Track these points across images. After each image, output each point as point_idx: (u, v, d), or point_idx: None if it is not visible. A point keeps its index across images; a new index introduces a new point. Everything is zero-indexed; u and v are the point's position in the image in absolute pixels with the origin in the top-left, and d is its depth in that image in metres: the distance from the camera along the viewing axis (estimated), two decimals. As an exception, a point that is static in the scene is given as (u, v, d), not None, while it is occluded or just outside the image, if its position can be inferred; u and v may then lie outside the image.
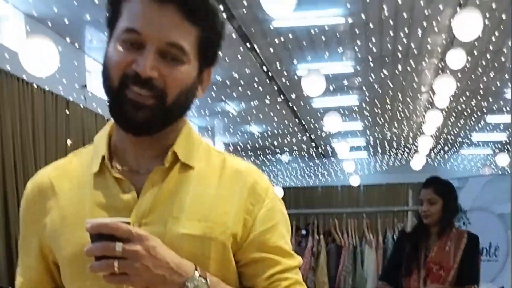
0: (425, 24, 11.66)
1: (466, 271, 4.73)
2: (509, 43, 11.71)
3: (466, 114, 18.82)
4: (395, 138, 22.47)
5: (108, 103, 1.63)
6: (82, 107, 12.37)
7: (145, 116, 1.56)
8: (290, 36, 12.12)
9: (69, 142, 11.36)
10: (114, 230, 1.41)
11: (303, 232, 7.95)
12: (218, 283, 1.59)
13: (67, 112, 11.90)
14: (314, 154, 25.86)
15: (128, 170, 1.67)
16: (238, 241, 1.65)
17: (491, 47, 12.75)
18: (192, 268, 1.53)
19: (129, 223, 1.47)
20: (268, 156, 25.64)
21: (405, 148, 23.87)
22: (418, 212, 4.95)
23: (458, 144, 24.05)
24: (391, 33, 12.13)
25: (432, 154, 23.85)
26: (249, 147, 23.11)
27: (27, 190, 1.77)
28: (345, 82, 15.42)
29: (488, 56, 13.27)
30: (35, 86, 10.86)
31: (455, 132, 21.47)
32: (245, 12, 10.74)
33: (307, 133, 21.54)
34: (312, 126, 20.38)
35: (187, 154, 1.68)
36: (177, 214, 1.60)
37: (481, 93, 16.18)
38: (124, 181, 1.63)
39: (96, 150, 1.71)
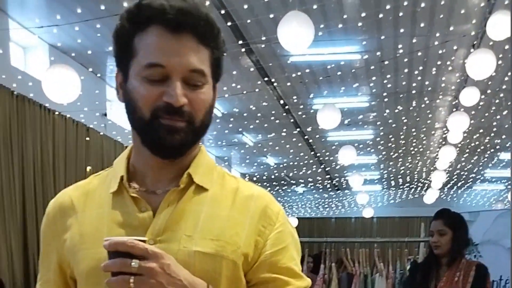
0: (439, 62, 11.80)
1: None
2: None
3: (479, 150, 18.75)
4: (408, 172, 22.41)
5: (140, 134, 1.68)
6: (101, 134, 12.56)
7: (180, 138, 1.62)
8: (307, 70, 12.24)
9: (88, 168, 11.47)
10: (130, 247, 1.46)
11: (310, 261, 8.05)
12: None
13: (87, 139, 12.07)
14: (328, 186, 25.83)
15: (145, 190, 1.70)
16: (249, 261, 1.69)
17: (504, 86, 12.88)
18: (204, 286, 1.58)
19: (145, 241, 1.50)
20: (283, 187, 25.65)
21: (418, 182, 23.77)
22: (429, 243, 5.02)
23: (471, 180, 23.94)
24: (406, 70, 12.23)
25: (445, 189, 23.81)
26: (265, 178, 23.09)
27: (49, 209, 1.82)
28: (360, 117, 15.53)
29: (501, 95, 13.35)
30: (57, 113, 11.06)
31: (468, 168, 21.40)
32: (263, 47, 10.87)
33: (322, 166, 21.57)
34: (327, 159, 20.42)
35: (201, 176, 1.72)
36: (190, 233, 1.64)
37: (494, 130, 16.16)
38: (141, 200, 1.67)
39: (115, 171, 1.76)
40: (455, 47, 11.04)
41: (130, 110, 1.66)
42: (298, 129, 16.29)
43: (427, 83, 13.00)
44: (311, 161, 20.51)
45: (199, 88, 1.63)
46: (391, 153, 19.54)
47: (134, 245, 1.47)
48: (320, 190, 26.73)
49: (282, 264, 1.73)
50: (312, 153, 19.38)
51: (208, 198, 1.71)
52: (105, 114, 12.80)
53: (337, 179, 24.26)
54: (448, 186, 23.81)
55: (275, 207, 1.78)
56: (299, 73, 12.17)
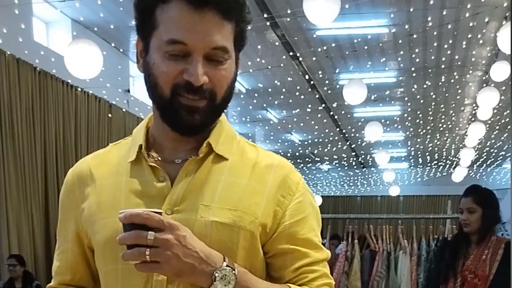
0: (469, 36, 11.60)
1: (497, 280, 4.65)
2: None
3: (509, 127, 18.60)
4: (436, 150, 22.34)
5: (159, 110, 1.67)
6: (124, 111, 12.50)
7: (200, 118, 1.62)
8: (333, 45, 12.12)
9: (110, 145, 11.49)
10: (146, 219, 1.45)
11: (341, 244, 7.95)
12: (246, 273, 1.61)
13: (110, 116, 12.05)
14: (354, 163, 25.84)
15: (164, 160, 1.71)
16: (267, 231, 1.68)
17: (536, 60, 12.64)
18: (220, 258, 1.56)
19: (160, 213, 1.49)
20: (308, 164, 25.68)
21: (447, 160, 23.70)
22: (459, 221, 4.92)
23: (501, 158, 23.79)
24: (435, 44, 12.07)
25: (474, 166, 23.64)
26: (290, 155, 23.10)
27: (67, 178, 1.83)
28: (387, 92, 15.42)
29: (533, 69, 13.11)
30: (79, 90, 11.05)
31: (498, 145, 21.25)
32: (288, 20, 10.77)
33: (347, 143, 21.53)
34: (353, 136, 20.40)
35: (221, 145, 1.71)
36: (208, 203, 1.63)
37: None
38: (159, 169, 1.68)
39: (134, 141, 1.77)
40: (486, 20, 10.83)
41: (150, 85, 1.65)
42: (323, 105, 16.28)
43: (456, 57, 12.84)
44: (336, 138, 20.47)
45: (221, 65, 1.62)
46: (419, 130, 19.49)
47: (149, 217, 1.46)
48: (346, 168, 26.77)
49: (301, 235, 1.72)
50: (338, 129, 19.34)
51: (227, 167, 1.71)
52: (128, 90, 12.79)
53: (363, 156, 24.30)
54: (477, 164, 23.70)
55: (295, 176, 1.77)
56: (325, 48, 12.04)
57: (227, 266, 1.55)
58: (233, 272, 1.56)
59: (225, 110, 1.71)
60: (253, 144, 1.83)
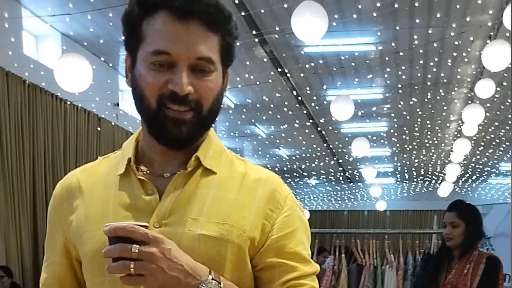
0: (455, 54, 11.70)
1: None
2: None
3: (494, 143, 18.70)
4: (422, 165, 22.36)
5: (146, 123, 1.69)
6: (113, 124, 12.54)
7: (187, 131, 1.63)
8: (321, 61, 12.16)
9: (99, 158, 11.51)
10: (130, 232, 1.46)
11: (328, 257, 7.99)
12: (231, 286, 1.61)
13: (99, 129, 12.08)
14: (341, 178, 25.82)
15: (153, 173, 1.71)
16: (255, 245, 1.68)
17: (520, 79, 12.75)
18: (206, 271, 1.56)
19: (146, 226, 1.50)
20: (295, 179, 25.65)
21: (433, 175, 23.73)
22: (442, 235, 4.99)
23: (486, 173, 23.87)
24: (421, 62, 12.16)
25: (460, 182, 23.69)
26: (277, 170, 23.04)
27: (56, 191, 1.83)
28: (374, 108, 15.43)
29: (517, 87, 13.22)
30: (69, 103, 11.08)
31: (483, 161, 21.33)
32: (277, 37, 10.84)
33: (335, 158, 21.53)
34: (340, 151, 20.39)
35: (210, 160, 1.71)
36: (196, 216, 1.63)
37: (510, 123, 16.05)
38: (148, 183, 1.68)
39: (123, 154, 1.77)
40: (471, 38, 10.94)
41: (137, 98, 1.66)
42: (311, 121, 16.25)
43: (442, 74, 12.92)
44: (324, 153, 20.47)
45: (207, 76, 1.63)
46: (405, 146, 19.51)
47: (134, 230, 1.46)
48: (333, 183, 26.75)
49: (289, 249, 1.71)
50: (325, 145, 19.35)
51: (215, 181, 1.71)
52: (117, 104, 12.81)
53: (350, 171, 24.29)
54: (463, 179, 23.76)
55: (283, 190, 1.76)
56: (312, 64, 12.12)
57: (212, 279, 1.55)
58: (219, 285, 1.56)
59: (213, 125, 1.73)
60: (242, 158, 1.83)
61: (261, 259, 1.70)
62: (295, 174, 24.51)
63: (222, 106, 1.75)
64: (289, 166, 22.71)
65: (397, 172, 24.58)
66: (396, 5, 9.52)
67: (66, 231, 1.76)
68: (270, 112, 15.30)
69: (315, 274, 1.77)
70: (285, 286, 1.69)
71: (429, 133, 17.83)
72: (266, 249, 1.69)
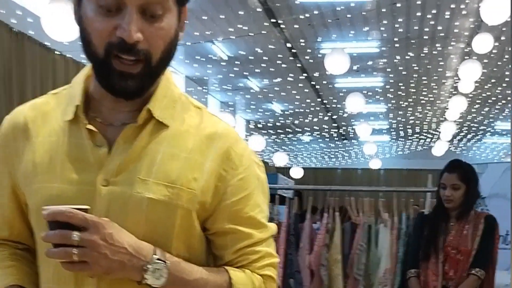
0: (453, 6, 11.58)
1: (480, 254, 4.66)
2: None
3: (490, 101, 18.70)
4: (417, 123, 22.45)
5: (93, 70, 1.59)
6: (103, 75, 12.41)
7: (135, 84, 1.54)
8: (316, 12, 12.06)
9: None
10: (69, 218, 1.41)
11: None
12: (178, 263, 1.56)
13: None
14: (335, 135, 25.90)
15: (102, 121, 1.63)
16: (207, 207, 1.61)
17: (519, 33, 12.63)
18: (150, 251, 1.51)
19: (86, 210, 1.45)
20: (288, 135, 25.73)
21: (428, 133, 23.81)
22: (438, 195, 4.86)
23: (481, 132, 23.92)
24: (418, 14, 12.05)
25: (455, 141, 23.73)
26: (270, 125, 23.18)
27: (3, 127, 1.74)
28: (370, 63, 15.36)
29: (516, 42, 13.13)
30: (58, 53, 10.88)
31: (479, 119, 21.39)
32: (271, -15, 10.71)
33: (329, 113, 21.56)
34: (334, 106, 20.41)
35: (162, 111, 1.63)
36: (145, 176, 1.57)
37: (507, 80, 16.04)
38: (97, 133, 1.60)
39: (71, 96, 1.66)
40: (470, -11, 10.76)
41: (84, 42, 1.55)
42: (305, 75, 16.28)
43: (439, 28, 12.85)
44: (317, 108, 20.49)
45: (158, 22, 1.51)
46: (401, 102, 19.55)
47: (73, 215, 1.42)
48: (327, 139, 26.84)
49: (244, 214, 1.65)
50: (319, 100, 19.40)
51: (167, 136, 1.62)
52: None
53: (344, 128, 24.39)
54: (458, 138, 23.86)
55: (238, 148, 1.67)
56: (307, 15, 12.02)
57: (158, 259, 1.51)
58: (165, 264, 1.51)
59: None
60: (199, 105, 1.74)
61: (213, 224, 1.65)
62: (288, 130, 24.57)
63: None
64: (282, 122, 22.77)
65: (391, 130, 24.67)
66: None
67: (14, 176, 1.70)
68: (263, 65, 15.28)
69: (271, 237, 1.71)
70: (237, 254, 1.65)
71: (425, 89, 17.83)
72: (219, 214, 1.64)
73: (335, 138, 26.65)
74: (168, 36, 1.55)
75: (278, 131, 24.05)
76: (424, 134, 24.11)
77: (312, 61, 14.95)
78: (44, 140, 1.65)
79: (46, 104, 1.72)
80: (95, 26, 1.49)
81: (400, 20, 12.34)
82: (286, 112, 21.48)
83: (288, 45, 13.83)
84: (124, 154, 1.58)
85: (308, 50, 14.41)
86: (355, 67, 14.15)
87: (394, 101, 19.56)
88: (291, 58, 14.85)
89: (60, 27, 7.45)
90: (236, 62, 15.14)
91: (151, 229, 1.56)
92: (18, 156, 1.68)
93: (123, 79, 1.52)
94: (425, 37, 13.39)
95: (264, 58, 14.61)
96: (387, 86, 17.90)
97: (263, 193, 1.71)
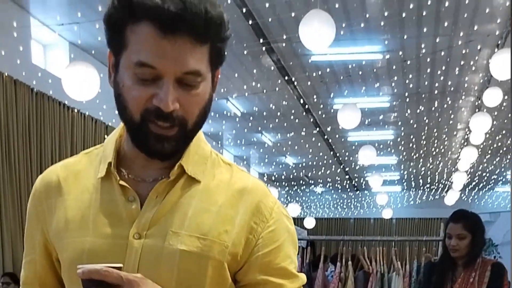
0: (462, 62, 11.71)
1: None
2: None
3: (501, 152, 18.68)
4: (429, 173, 22.33)
5: (129, 132, 1.62)
6: (120, 132, 12.58)
7: (171, 147, 1.56)
8: (328, 70, 12.20)
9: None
10: (104, 276, 1.42)
11: (330, 266, 7.98)
12: None
13: (106, 137, 12.08)
14: (347, 186, 25.83)
15: (134, 178, 1.64)
16: (238, 260, 1.63)
17: (527, 87, 12.75)
18: None
19: (120, 268, 1.47)
20: (302, 187, 25.69)
21: (439, 184, 23.71)
22: (445, 244, 4.92)
23: (493, 181, 23.83)
24: (428, 70, 12.17)
25: (466, 190, 23.67)
26: (284, 178, 23.12)
27: (36, 186, 1.77)
28: (381, 117, 15.47)
29: (525, 96, 13.22)
30: (76, 111, 11.13)
31: (490, 169, 21.28)
32: (284, 45, 10.84)
33: (341, 166, 21.54)
34: (347, 159, 20.41)
35: (194, 167, 1.65)
36: (177, 229, 1.58)
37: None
38: (129, 189, 1.62)
39: (105, 154, 1.69)
40: (479, 47, 10.96)
41: (120, 107, 1.57)
42: (317, 129, 16.28)
43: (449, 83, 12.92)
44: (330, 161, 20.46)
45: (195, 88, 1.54)
46: (412, 154, 19.50)
47: (108, 273, 1.43)
48: (339, 191, 26.75)
49: (275, 265, 1.66)
50: (332, 153, 19.35)
51: (199, 191, 1.64)
52: None
53: (357, 179, 24.30)
54: (469, 187, 23.70)
55: (268, 202, 1.69)
56: (320, 73, 12.17)
57: None
58: None
59: (207, 133, 1.65)
60: (229, 162, 1.76)
61: (245, 275, 1.66)
62: (301, 181, 24.53)
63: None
64: (295, 174, 22.71)
65: (403, 180, 24.57)
66: (403, 14, 9.54)
67: (46, 232, 1.72)
68: (276, 120, 15.29)
69: (301, 287, 1.73)
70: None
71: (436, 141, 17.82)
72: (251, 265, 1.65)
73: (348, 189, 26.56)
74: (203, 101, 1.57)
75: (292, 183, 23.97)
76: (436, 184, 24.00)
77: (324, 116, 15.03)
78: (76, 197, 1.67)
79: (78, 163, 1.75)
80: (132, 93, 1.52)
81: (410, 76, 12.42)
82: (299, 165, 21.43)
83: (301, 101, 13.91)
84: (156, 208, 1.59)
85: (321, 106, 14.50)
86: (367, 121, 14.29)
87: (405, 153, 19.53)
88: (304, 113, 14.92)
89: (79, 87, 7.70)
90: (250, 118, 15.24)
91: (183, 281, 1.57)
92: (50, 213, 1.70)
93: (160, 142, 1.54)
94: (435, 92, 13.44)
95: (278, 113, 14.66)
96: (398, 139, 17.90)
97: (293, 244, 1.72)
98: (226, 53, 1.62)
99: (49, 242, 1.72)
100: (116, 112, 1.47)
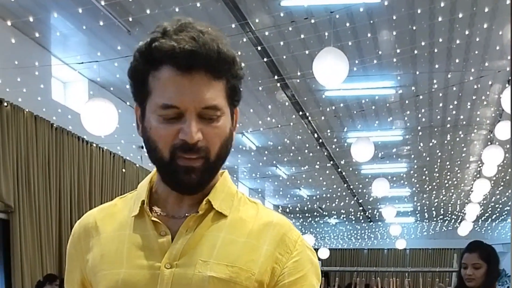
0: (474, 97, 11.86)
1: None
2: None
3: (512, 183, 18.73)
4: (442, 205, 22.37)
5: (160, 171, 1.70)
6: (137, 166, 12.74)
7: (197, 178, 1.63)
8: (341, 105, 12.35)
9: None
10: None
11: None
12: None
13: (124, 171, 12.28)
14: (361, 217, 25.83)
15: (166, 214, 1.71)
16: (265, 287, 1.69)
17: (539, 120, 12.84)
18: None
19: None
20: (316, 218, 25.70)
21: (452, 215, 23.71)
22: (460, 275, 4.94)
23: (506, 212, 23.77)
24: (441, 105, 12.31)
25: (479, 221, 23.67)
26: (298, 210, 23.13)
27: (74, 230, 1.85)
28: (394, 150, 15.56)
29: (537, 129, 13.30)
30: (95, 145, 11.35)
31: (503, 200, 21.28)
32: (298, 82, 11.00)
33: (355, 198, 21.59)
34: (360, 191, 20.49)
35: (221, 203, 1.72)
36: (206, 258, 1.64)
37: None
38: (161, 224, 1.69)
39: (138, 195, 1.77)
40: (490, 82, 11.09)
41: (150, 149, 1.66)
42: (331, 162, 16.37)
43: (461, 117, 13.06)
44: (344, 193, 20.53)
45: (215, 122, 1.63)
46: (425, 186, 19.56)
47: None
48: (353, 222, 26.75)
49: None
50: (345, 185, 19.42)
51: (226, 224, 1.72)
52: (142, 147, 12.69)
53: (370, 211, 24.32)
54: (482, 218, 23.70)
55: (293, 235, 1.76)
56: (333, 107, 12.29)
57: None
58: None
59: (223, 167, 1.77)
60: (254, 200, 1.84)
61: None
62: (315, 213, 24.58)
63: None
64: (309, 206, 22.78)
65: (416, 212, 24.56)
66: (415, 51, 9.69)
67: (83, 269, 1.79)
68: (291, 154, 15.41)
69: None
70: None
71: (448, 173, 17.88)
72: None
73: (361, 221, 26.61)
74: (224, 133, 1.65)
75: (306, 214, 24.04)
76: (449, 216, 24.04)
77: (338, 149, 15.14)
78: (112, 235, 1.75)
79: (114, 206, 1.83)
80: (160, 133, 1.61)
81: (423, 110, 12.55)
82: (313, 197, 21.50)
83: (315, 135, 14.06)
84: (186, 241, 1.66)
85: (335, 140, 14.62)
86: (380, 155, 14.40)
87: (418, 185, 19.60)
88: (318, 147, 15.03)
89: (97, 123, 7.86)
90: (265, 152, 15.37)
91: None
92: (87, 252, 1.78)
93: (187, 173, 1.62)
94: (448, 125, 13.58)
95: (292, 147, 14.81)
96: (411, 171, 17.97)
97: (316, 275, 1.78)
98: (242, 90, 1.74)
99: (86, 279, 1.80)
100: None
